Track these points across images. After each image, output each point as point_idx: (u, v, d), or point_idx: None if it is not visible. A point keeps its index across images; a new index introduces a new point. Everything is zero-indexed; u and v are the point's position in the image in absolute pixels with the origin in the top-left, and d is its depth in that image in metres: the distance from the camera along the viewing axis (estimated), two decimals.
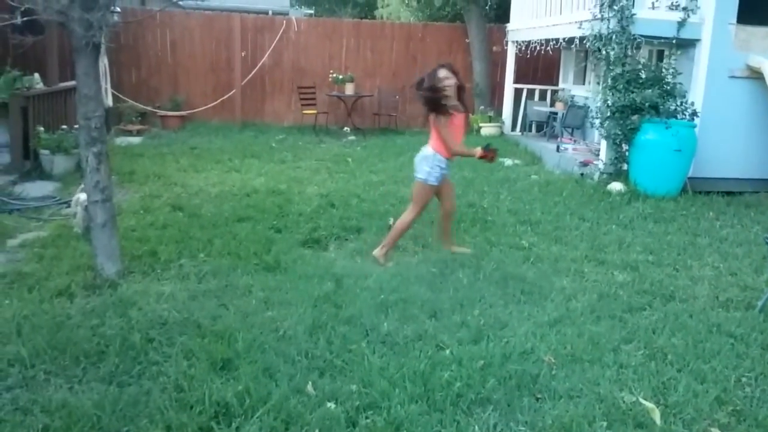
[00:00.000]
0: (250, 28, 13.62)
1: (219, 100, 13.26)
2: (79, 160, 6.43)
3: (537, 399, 3.42)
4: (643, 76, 8.53)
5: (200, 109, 13.24)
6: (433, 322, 4.27)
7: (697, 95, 8.61)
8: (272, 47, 13.53)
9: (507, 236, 6.41)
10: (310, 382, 3.38)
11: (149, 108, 12.83)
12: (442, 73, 5.14)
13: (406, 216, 5.54)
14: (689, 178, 8.46)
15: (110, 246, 4.73)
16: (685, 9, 8.58)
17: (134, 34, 13.29)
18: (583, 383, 3.56)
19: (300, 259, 5.37)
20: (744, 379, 3.72)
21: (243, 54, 13.40)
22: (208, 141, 11.51)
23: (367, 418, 3.14)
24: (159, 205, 6.89)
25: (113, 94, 12.15)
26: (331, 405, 3.21)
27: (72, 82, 7.18)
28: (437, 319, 4.32)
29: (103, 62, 11.50)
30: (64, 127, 8.83)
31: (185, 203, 7.02)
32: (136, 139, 11.55)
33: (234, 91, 13.37)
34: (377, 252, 5.48)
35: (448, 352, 3.84)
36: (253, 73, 13.42)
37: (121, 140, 11.31)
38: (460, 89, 5.26)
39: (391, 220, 6.71)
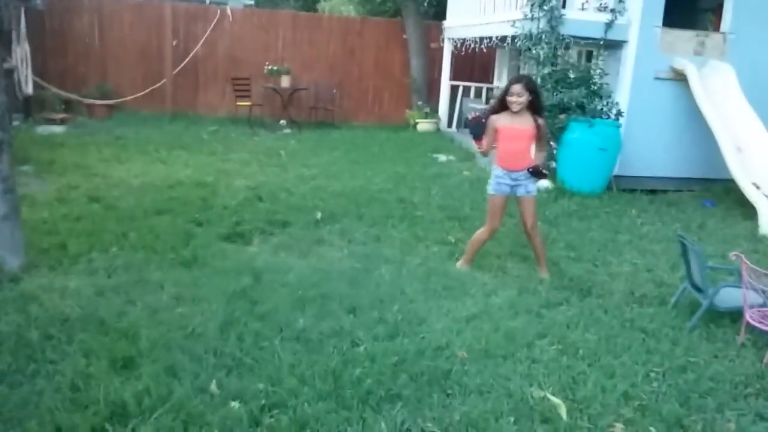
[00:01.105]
0: (182, 16, 13.22)
1: (148, 90, 12.84)
2: None
3: (447, 395, 3.39)
4: (572, 75, 8.67)
5: (129, 98, 12.79)
6: (350, 318, 4.21)
7: (623, 95, 8.81)
8: (205, 37, 13.19)
9: (434, 232, 6.40)
10: (214, 381, 3.26)
11: (75, 96, 12.32)
12: (516, 88, 4.99)
13: (481, 230, 5.42)
14: (614, 176, 8.65)
15: (13, 239, 4.48)
16: (613, 11, 8.76)
17: (60, 19, 12.74)
18: (494, 378, 3.56)
19: (219, 254, 5.22)
20: (652, 374, 3.79)
21: (174, 43, 13.02)
22: (135, 131, 11.13)
23: (271, 417, 3.05)
24: (75, 197, 6.61)
25: (35, 82, 11.59)
26: (234, 404, 3.11)
27: None
28: (355, 315, 4.26)
29: (24, 48, 10.98)
30: None
31: (103, 195, 6.75)
32: (59, 128, 11.07)
33: (164, 80, 12.96)
34: (460, 263, 5.42)
35: (362, 348, 3.78)
36: (185, 62, 13.05)
37: (43, 129, 10.83)
38: (531, 104, 5.05)
39: (319, 215, 6.64)
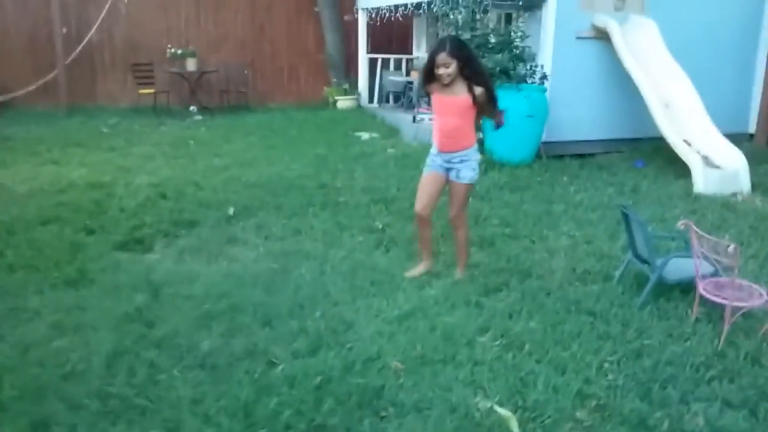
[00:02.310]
0: (71, 1, 12.10)
1: (39, 83, 11.70)
2: None
3: (381, 418, 2.90)
4: (493, 40, 8.24)
5: (18, 93, 11.62)
6: (266, 331, 3.65)
7: (546, 58, 8.45)
8: (99, 22, 12.10)
9: (360, 218, 5.88)
10: None
11: None
12: (441, 58, 4.11)
13: None
14: (543, 143, 8.32)
15: None
16: None
17: None
18: (433, 390, 3.09)
19: (111, 267, 4.54)
20: (606, 365, 3.40)
21: (64, 30, 11.87)
22: (26, 130, 10.06)
23: None
24: None
25: None
26: None
27: None
28: (272, 328, 3.70)
29: None
30: None
31: None
32: None
33: (56, 72, 11.84)
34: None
35: (279, 369, 3.24)
36: (78, 50, 11.94)
37: None
38: (462, 71, 4.17)
39: (231, 210, 6.02)
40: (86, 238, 5.14)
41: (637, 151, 8.46)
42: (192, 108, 12.57)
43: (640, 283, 4.29)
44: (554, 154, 8.34)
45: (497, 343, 3.60)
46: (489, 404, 2.98)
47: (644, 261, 4.24)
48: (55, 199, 6.20)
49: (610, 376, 3.29)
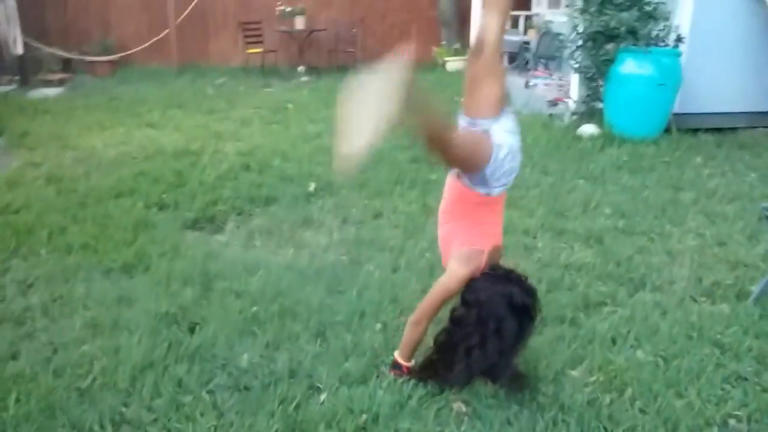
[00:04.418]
0: None
1: (152, 41, 11.80)
2: None
3: None
4: None
5: (132, 51, 11.80)
6: (316, 346, 3.16)
7: (683, 16, 7.28)
8: None
9: None
10: None
11: (72, 54, 11.40)
12: None
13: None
14: (674, 114, 7.22)
15: None
16: None
17: None
18: None
19: (173, 251, 4.19)
20: (732, 422, 2.65)
21: None
22: (134, 90, 10.16)
23: None
24: (32, 178, 5.69)
25: (27, 42, 10.67)
26: None
27: None
28: (324, 340, 3.21)
29: (8, 5, 10.04)
30: None
31: (66, 174, 5.82)
32: (53, 91, 10.21)
33: (168, 30, 11.89)
34: None
35: (321, 399, 2.75)
36: (190, 8, 11.92)
37: (37, 93, 9.98)
38: None
39: (312, 186, 5.59)
40: (156, 215, 4.86)
41: None
42: (300, 68, 12.28)
43: None
44: (687, 128, 7.23)
45: (592, 379, 2.92)
46: None
47: None
48: (139, 167, 6.01)
49: None
